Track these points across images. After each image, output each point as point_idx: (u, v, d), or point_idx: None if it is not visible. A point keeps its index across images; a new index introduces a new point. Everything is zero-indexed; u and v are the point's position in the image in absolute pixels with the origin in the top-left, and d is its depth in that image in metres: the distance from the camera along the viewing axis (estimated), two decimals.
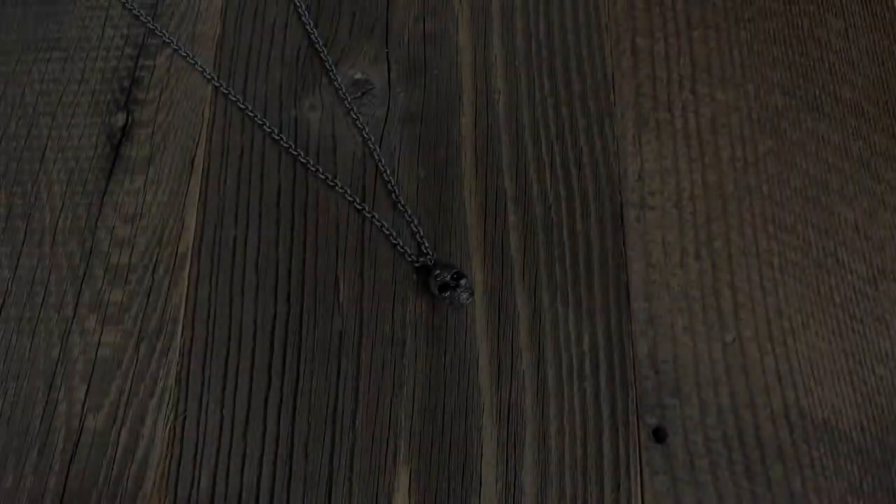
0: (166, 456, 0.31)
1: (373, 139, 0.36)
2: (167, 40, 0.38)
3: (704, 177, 0.37)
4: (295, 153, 0.36)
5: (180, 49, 0.38)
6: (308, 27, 0.39)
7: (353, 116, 0.37)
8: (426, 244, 0.34)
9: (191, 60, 0.38)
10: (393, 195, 0.35)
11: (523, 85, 0.38)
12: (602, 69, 0.39)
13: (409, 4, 0.40)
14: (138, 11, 0.39)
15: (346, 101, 0.37)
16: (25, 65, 0.38)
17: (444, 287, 0.33)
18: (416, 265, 0.34)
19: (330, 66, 0.38)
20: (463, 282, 0.33)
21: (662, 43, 0.39)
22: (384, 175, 0.36)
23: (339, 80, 0.38)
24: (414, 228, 0.35)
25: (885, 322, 0.34)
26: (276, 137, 0.37)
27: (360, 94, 0.38)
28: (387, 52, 0.39)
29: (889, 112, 0.38)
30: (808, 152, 0.37)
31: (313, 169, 0.36)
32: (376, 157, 0.36)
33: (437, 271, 0.33)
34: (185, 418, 0.32)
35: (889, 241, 0.36)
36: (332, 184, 0.36)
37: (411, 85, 0.38)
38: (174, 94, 0.38)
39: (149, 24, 0.39)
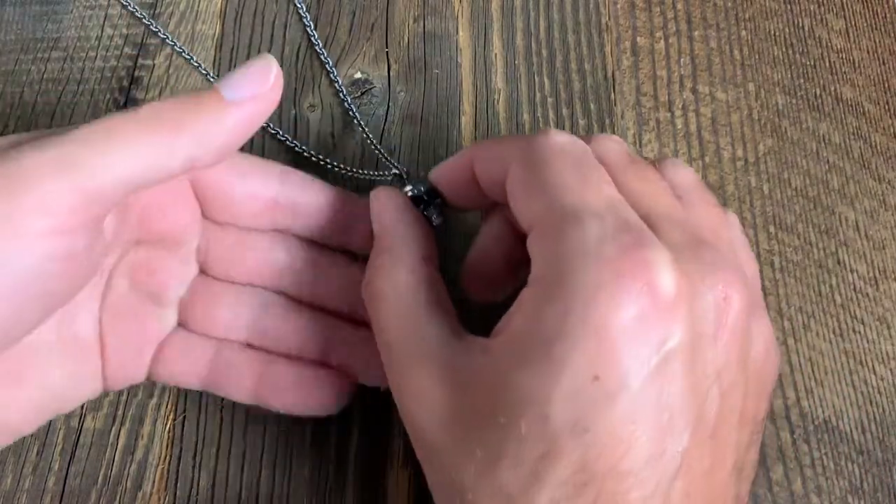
0: (166, 456, 0.31)
1: (373, 139, 0.36)
2: (167, 40, 0.38)
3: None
4: (298, 148, 0.36)
5: (180, 49, 0.38)
6: (308, 27, 0.39)
7: (353, 116, 0.37)
8: (398, 165, 0.35)
9: (191, 60, 0.38)
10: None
11: (523, 84, 0.38)
12: (602, 68, 0.39)
13: (409, 4, 0.40)
14: (139, 12, 0.39)
15: (345, 101, 0.37)
16: (24, 64, 0.38)
17: (416, 201, 0.30)
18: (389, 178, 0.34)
19: (330, 66, 0.38)
20: (438, 201, 0.30)
21: (663, 42, 0.39)
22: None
23: (339, 79, 0.38)
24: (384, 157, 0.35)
25: (886, 322, 0.34)
26: (275, 135, 0.36)
27: (359, 93, 0.38)
28: (387, 52, 0.39)
29: (890, 112, 0.38)
30: (808, 152, 0.37)
31: (315, 159, 0.36)
32: (377, 157, 0.36)
33: (409, 186, 0.31)
34: (184, 418, 0.32)
35: (890, 241, 0.36)
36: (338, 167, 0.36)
37: (411, 85, 0.38)
38: (174, 94, 0.38)
39: (148, 24, 0.39)
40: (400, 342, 0.24)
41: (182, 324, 0.30)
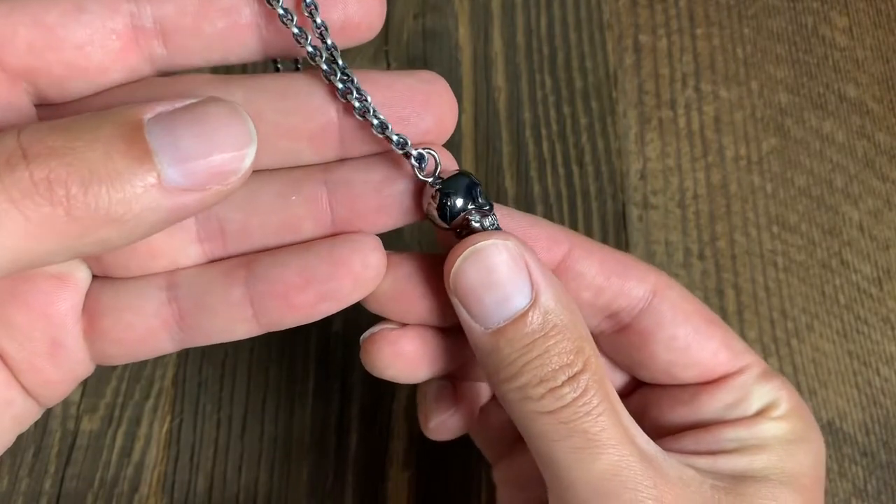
0: (163, 458, 0.31)
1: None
2: None
3: (708, 176, 0.36)
4: None
5: None
6: None
7: None
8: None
9: None
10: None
11: (524, 82, 0.38)
12: (604, 66, 0.38)
13: (409, 1, 0.40)
14: None
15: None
16: None
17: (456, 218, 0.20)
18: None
19: None
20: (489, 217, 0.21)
21: (665, 40, 0.39)
22: None
23: None
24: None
25: (890, 323, 0.34)
26: None
27: None
28: (386, 50, 0.39)
29: (895, 110, 0.38)
30: (812, 151, 0.37)
31: None
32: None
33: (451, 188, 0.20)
34: (181, 420, 0.31)
35: (894, 241, 0.35)
36: None
37: None
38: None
39: None
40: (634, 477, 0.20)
41: (103, 272, 0.21)
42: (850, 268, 0.35)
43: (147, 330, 0.20)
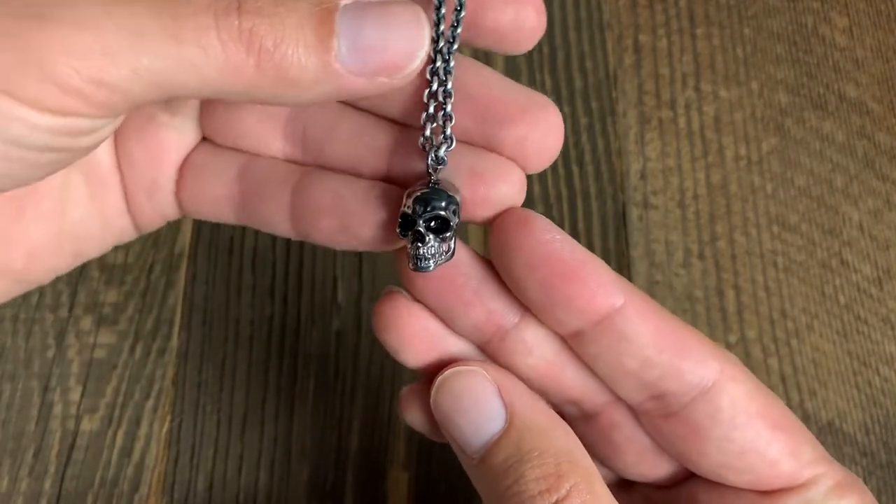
0: (163, 458, 0.31)
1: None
2: None
3: (708, 176, 0.36)
4: None
5: None
6: None
7: None
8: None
9: None
10: None
11: (524, 82, 0.38)
12: (604, 66, 0.38)
13: None
14: None
15: None
16: None
17: (407, 223, 0.20)
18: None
19: None
20: (431, 239, 0.20)
21: (665, 40, 0.39)
22: None
23: None
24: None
25: (890, 323, 0.34)
26: None
27: None
28: None
29: (894, 110, 0.38)
30: (812, 151, 0.37)
31: None
32: None
33: (424, 193, 0.20)
34: (181, 420, 0.31)
35: (895, 241, 0.35)
36: None
37: None
38: None
39: None
40: None
41: (207, 137, 0.24)
42: (850, 268, 0.35)
43: (215, 196, 0.23)
